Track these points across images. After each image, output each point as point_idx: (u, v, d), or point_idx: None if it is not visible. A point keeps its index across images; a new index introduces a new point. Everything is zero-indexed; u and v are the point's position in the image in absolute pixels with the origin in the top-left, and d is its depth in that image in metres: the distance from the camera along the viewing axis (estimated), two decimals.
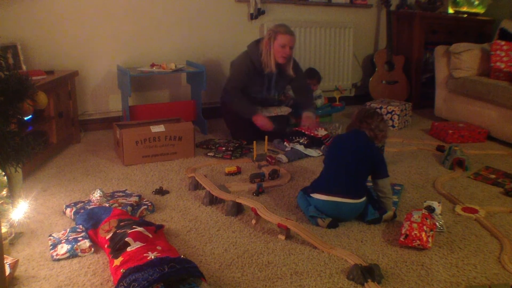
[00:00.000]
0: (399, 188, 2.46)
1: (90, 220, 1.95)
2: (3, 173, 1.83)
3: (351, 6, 4.39)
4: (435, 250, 1.86)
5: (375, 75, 4.43)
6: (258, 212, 2.04)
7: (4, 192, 1.84)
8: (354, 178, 2.07)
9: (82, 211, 2.06)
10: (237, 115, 3.21)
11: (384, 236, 1.98)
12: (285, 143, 3.18)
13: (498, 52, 3.60)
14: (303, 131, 3.23)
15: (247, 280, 1.65)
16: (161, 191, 2.40)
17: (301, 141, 3.15)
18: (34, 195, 2.32)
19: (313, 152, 3.05)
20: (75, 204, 2.17)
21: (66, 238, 1.84)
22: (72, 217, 2.08)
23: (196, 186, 2.44)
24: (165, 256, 1.56)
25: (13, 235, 1.87)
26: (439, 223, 2.03)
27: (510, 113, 3.28)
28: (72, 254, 1.77)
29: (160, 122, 3.02)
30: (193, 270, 1.51)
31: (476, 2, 4.50)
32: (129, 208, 2.10)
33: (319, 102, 3.82)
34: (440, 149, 3.13)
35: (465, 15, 4.54)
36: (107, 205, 2.11)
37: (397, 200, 2.31)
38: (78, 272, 1.68)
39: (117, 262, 1.60)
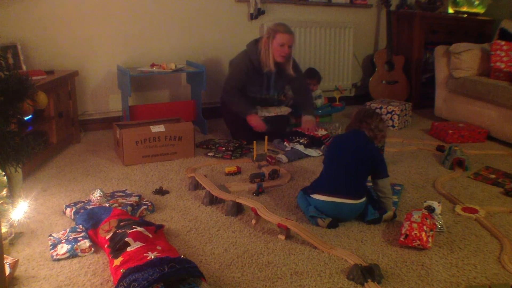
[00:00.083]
0: (399, 188, 2.46)
1: (90, 220, 1.95)
2: (3, 173, 1.83)
3: (351, 6, 4.39)
4: (435, 250, 1.86)
5: (375, 75, 4.43)
6: (258, 212, 2.04)
7: (4, 192, 1.84)
8: (354, 178, 2.07)
9: (82, 211, 2.06)
10: (237, 115, 3.21)
11: (384, 236, 1.98)
12: (285, 143, 3.18)
13: (498, 52, 3.60)
14: (303, 130, 3.23)
15: (247, 280, 1.65)
16: (161, 191, 2.40)
17: (301, 141, 3.15)
18: (34, 195, 2.32)
19: (313, 152, 3.05)
20: (75, 204, 2.17)
21: (66, 238, 1.84)
22: (72, 217, 2.08)
23: (196, 186, 2.44)
24: (165, 256, 1.56)
25: (13, 235, 1.87)
26: (439, 223, 2.03)
27: (510, 113, 3.28)
28: (72, 254, 1.77)
29: (160, 122, 3.02)
30: (193, 270, 1.51)
31: (476, 2, 4.50)
32: (129, 208, 2.10)
33: (319, 102, 3.82)
34: (440, 149, 3.13)
35: (465, 15, 4.54)
36: (107, 205, 2.11)
37: (397, 200, 2.31)
38: (78, 272, 1.68)
39: (117, 262, 1.60)
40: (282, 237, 1.94)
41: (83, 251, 1.79)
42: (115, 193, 2.30)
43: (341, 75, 4.44)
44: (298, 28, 4.09)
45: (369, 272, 1.64)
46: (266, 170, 2.65)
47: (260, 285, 1.62)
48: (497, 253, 1.85)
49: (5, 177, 1.85)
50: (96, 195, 2.16)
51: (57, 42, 3.34)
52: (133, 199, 2.20)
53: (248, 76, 3.24)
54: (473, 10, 4.53)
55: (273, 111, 3.34)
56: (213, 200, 2.28)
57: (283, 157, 2.91)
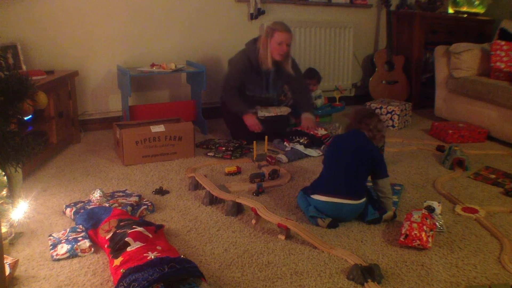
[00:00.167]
0: (399, 188, 2.46)
1: (90, 220, 1.95)
2: (3, 173, 1.83)
3: (351, 6, 4.39)
4: (435, 250, 1.86)
5: (375, 75, 4.43)
6: (258, 212, 2.04)
7: (4, 192, 1.84)
8: (354, 179, 2.07)
9: (82, 211, 2.06)
10: (237, 115, 3.22)
11: (384, 236, 1.98)
12: (285, 143, 3.18)
13: (498, 52, 3.60)
14: (302, 129, 3.23)
15: (247, 280, 1.65)
16: (161, 191, 2.40)
17: (301, 141, 3.15)
18: (34, 195, 2.32)
19: (313, 152, 3.05)
20: (75, 204, 2.17)
21: (66, 238, 1.84)
22: (72, 217, 2.08)
23: (196, 186, 2.44)
24: (165, 256, 1.56)
25: (13, 235, 1.87)
26: (439, 223, 2.03)
27: (510, 113, 3.28)
28: (72, 254, 1.77)
29: (160, 122, 3.02)
30: (193, 270, 1.51)
31: (476, 2, 4.49)
32: (129, 208, 2.10)
33: (319, 102, 3.81)
34: (440, 149, 3.13)
35: (465, 15, 4.54)
36: (107, 205, 2.11)
37: (397, 200, 2.31)
38: (78, 272, 1.68)
39: (117, 262, 1.60)
40: (282, 237, 1.94)
41: (83, 251, 1.79)
42: (115, 193, 2.30)
43: (341, 75, 4.44)
44: (298, 28, 4.09)
45: (369, 272, 1.64)
46: (266, 170, 2.65)
47: (260, 285, 1.62)
48: (497, 253, 1.85)
49: (5, 177, 1.85)
50: (96, 195, 2.16)
51: (57, 42, 3.34)
52: (133, 199, 2.20)
53: (247, 75, 3.24)
54: (473, 10, 4.53)
55: (273, 111, 3.34)
56: (213, 200, 2.28)
57: (283, 157, 2.91)
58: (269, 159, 2.82)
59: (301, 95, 3.44)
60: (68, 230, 1.91)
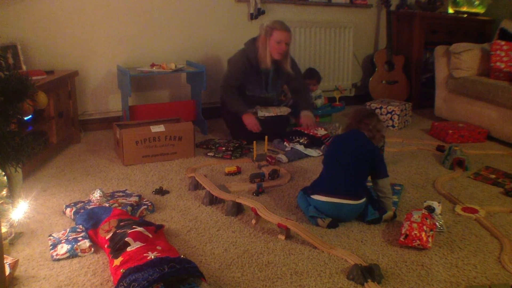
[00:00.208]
0: (399, 188, 2.46)
1: (90, 220, 1.95)
2: (3, 173, 1.83)
3: (351, 6, 4.39)
4: (435, 250, 1.86)
5: (375, 75, 4.43)
6: (258, 212, 2.04)
7: (4, 192, 1.84)
8: (354, 179, 2.07)
9: (82, 211, 2.06)
10: (237, 115, 3.22)
11: (384, 236, 1.98)
12: (285, 143, 3.18)
13: (498, 52, 3.60)
14: (303, 130, 3.23)
15: (247, 280, 1.65)
16: (161, 191, 2.40)
17: (301, 141, 3.15)
18: (34, 195, 2.32)
19: (313, 152, 3.05)
20: (75, 204, 2.17)
21: (66, 238, 1.84)
22: (72, 217, 2.08)
23: (196, 186, 2.44)
24: (165, 256, 1.56)
25: (13, 235, 1.87)
26: (439, 223, 2.03)
27: (510, 113, 3.28)
28: (72, 254, 1.77)
29: (160, 122, 3.02)
30: (193, 270, 1.51)
31: (476, 2, 4.50)
32: (129, 208, 2.10)
33: (319, 102, 3.81)
34: (440, 149, 3.13)
35: (465, 15, 4.54)
36: (107, 205, 2.11)
37: (397, 200, 2.31)
38: (78, 272, 1.68)
39: (117, 262, 1.60)
40: (282, 237, 1.94)
41: (83, 251, 1.79)
42: (115, 193, 2.30)
43: (341, 75, 4.44)
44: (298, 28, 4.09)
45: (369, 272, 1.64)
46: (266, 170, 2.65)
47: (260, 285, 1.62)
48: (497, 253, 1.85)
49: (5, 177, 1.85)
50: (96, 195, 2.16)
51: (57, 42, 3.34)
52: (133, 199, 2.20)
53: (246, 75, 3.25)
54: (473, 10, 4.53)
55: (273, 111, 3.34)
56: (213, 200, 2.28)
57: (283, 157, 2.91)
58: (269, 159, 2.82)
59: (301, 95, 3.44)
60: (68, 230, 1.91)
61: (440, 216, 2.07)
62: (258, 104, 3.36)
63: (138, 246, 1.66)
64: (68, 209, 2.12)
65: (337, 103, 3.99)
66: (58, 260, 1.75)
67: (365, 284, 1.61)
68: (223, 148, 3.02)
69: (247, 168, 2.79)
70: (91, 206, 2.10)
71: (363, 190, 2.09)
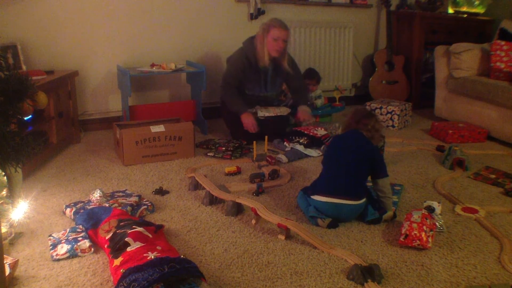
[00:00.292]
0: (399, 188, 2.46)
1: (90, 220, 1.95)
2: (3, 173, 1.83)
3: (351, 6, 4.39)
4: (435, 250, 1.86)
5: (375, 75, 4.43)
6: (258, 212, 2.04)
7: (4, 192, 1.84)
8: (354, 179, 2.07)
9: (82, 211, 2.06)
10: (237, 115, 3.22)
11: (384, 236, 1.98)
12: (285, 143, 3.18)
13: (498, 52, 3.60)
14: (303, 130, 3.23)
15: (247, 280, 1.65)
16: (161, 191, 2.40)
17: (301, 141, 3.15)
18: (34, 195, 2.32)
19: (313, 152, 3.05)
20: (75, 204, 2.17)
21: (66, 238, 1.84)
22: (72, 217, 2.08)
23: (196, 186, 2.44)
24: (165, 256, 1.56)
25: (13, 235, 1.87)
26: (439, 223, 2.03)
27: (510, 113, 3.28)
28: (72, 254, 1.77)
29: (160, 122, 3.02)
30: (193, 270, 1.51)
31: (476, 2, 4.50)
32: (129, 208, 2.10)
33: (319, 102, 3.81)
34: (440, 149, 3.13)
35: (465, 15, 4.54)
36: (107, 205, 2.11)
37: (397, 200, 2.31)
38: (78, 272, 1.68)
39: (117, 262, 1.60)
40: (282, 237, 1.94)
41: (83, 251, 1.79)
42: (115, 193, 2.30)
43: (341, 75, 4.44)
44: (298, 28, 4.09)
45: (369, 272, 1.64)
46: (266, 170, 2.65)
47: (260, 285, 1.62)
48: (497, 253, 1.85)
49: (5, 177, 1.85)
50: (96, 195, 2.16)
51: (57, 42, 3.34)
52: (133, 199, 2.20)
53: (245, 73, 3.26)
54: (473, 10, 4.53)
55: (272, 111, 3.34)
56: (213, 200, 2.28)
57: (283, 157, 2.91)
58: (269, 159, 2.82)
59: (300, 94, 3.45)
60: (68, 230, 1.91)
61: (440, 216, 2.07)
62: (258, 104, 3.36)
63: (138, 246, 1.66)
64: (68, 209, 2.12)
65: (337, 103, 3.99)
66: (58, 260, 1.75)
67: (365, 284, 1.61)
68: (223, 148, 3.02)
69: (247, 168, 2.79)
70: (91, 206, 2.10)
71: (363, 190, 2.09)
